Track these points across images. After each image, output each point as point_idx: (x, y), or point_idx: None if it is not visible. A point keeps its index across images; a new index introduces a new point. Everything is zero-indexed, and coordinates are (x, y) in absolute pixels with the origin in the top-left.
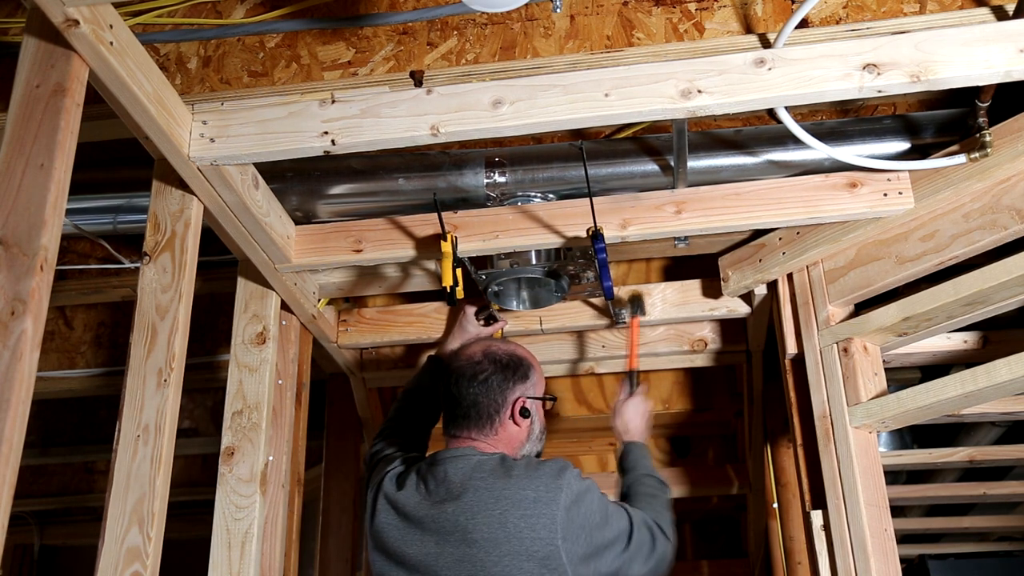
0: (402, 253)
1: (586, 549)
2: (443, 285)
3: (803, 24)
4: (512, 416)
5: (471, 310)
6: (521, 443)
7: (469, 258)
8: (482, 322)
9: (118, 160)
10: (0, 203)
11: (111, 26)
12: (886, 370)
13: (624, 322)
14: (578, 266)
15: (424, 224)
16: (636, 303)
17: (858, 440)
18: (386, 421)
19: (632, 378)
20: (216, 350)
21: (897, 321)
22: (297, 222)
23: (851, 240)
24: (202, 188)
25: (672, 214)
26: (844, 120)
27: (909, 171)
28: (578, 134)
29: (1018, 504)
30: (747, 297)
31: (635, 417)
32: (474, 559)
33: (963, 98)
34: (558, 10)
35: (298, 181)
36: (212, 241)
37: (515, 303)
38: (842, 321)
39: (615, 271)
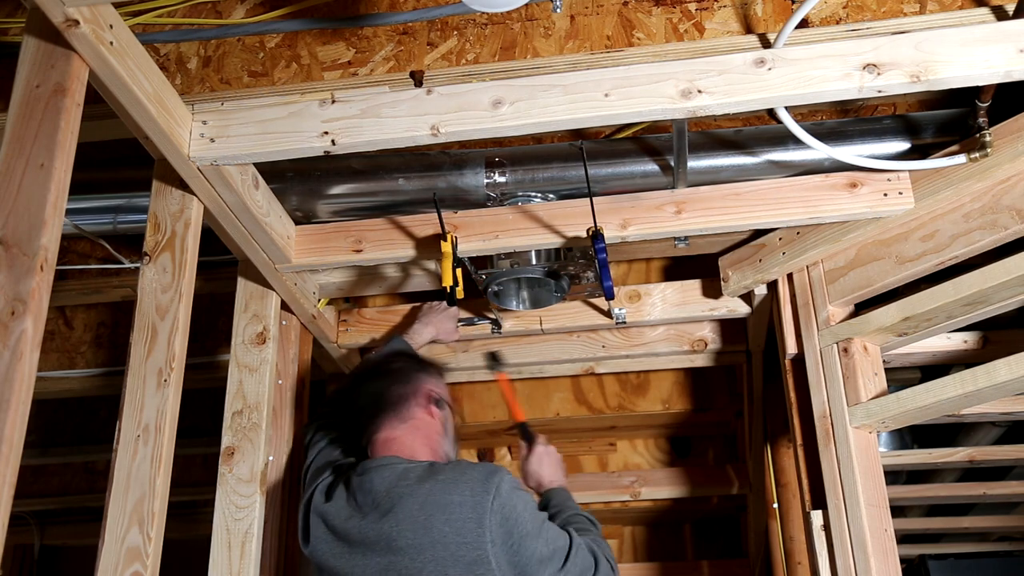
0: (402, 253)
1: (515, 557)
2: (443, 285)
3: (803, 24)
4: (424, 404)
5: (453, 311)
6: (438, 438)
7: (469, 258)
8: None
9: (118, 160)
10: (0, 203)
11: (111, 26)
12: (886, 370)
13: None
14: (578, 266)
15: (424, 224)
16: (494, 359)
17: (858, 440)
18: (326, 404)
19: (525, 431)
20: (216, 350)
21: (897, 321)
22: (297, 222)
23: (851, 240)
24: (202, 188)
25: (672, 214)
26: (844, 120)
27: (909, 171)
28: (578, 134)
29: (1018, 504)
30: (747, 297)
31: (545, 467)
32: (399, 566)
33: (963, 98)
34: (558, 10)
35: (298, 181)
36: (212, 241)
37: (515, 303)
38: (842, 321)
39: (615, 271)
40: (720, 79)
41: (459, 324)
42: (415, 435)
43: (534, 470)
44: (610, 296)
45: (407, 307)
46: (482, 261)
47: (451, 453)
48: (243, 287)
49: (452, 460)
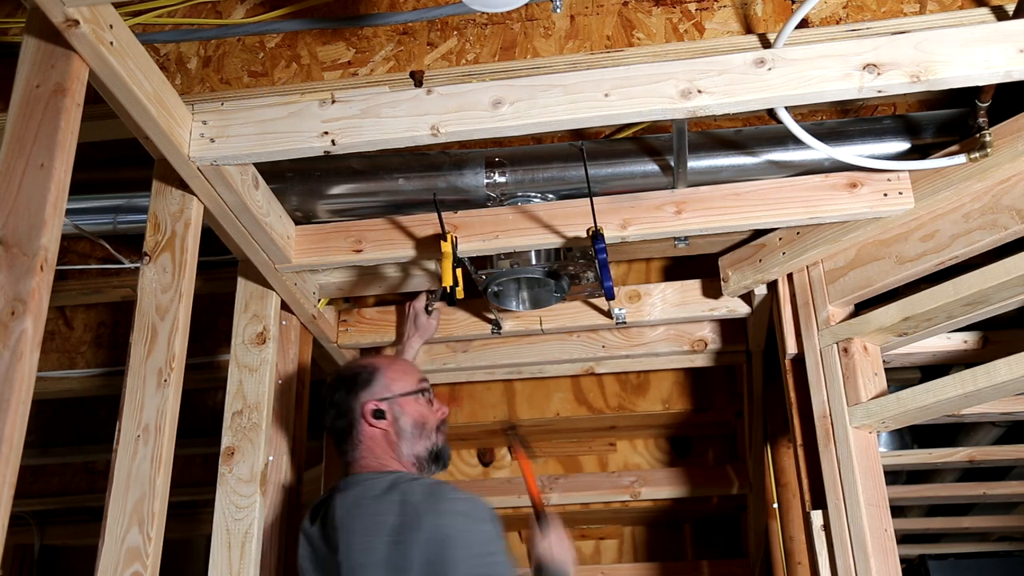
0: (402, 253)
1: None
2: (443, 285)
3: (803, 24)
4: (366, 421)
5: (420, 305)
6: (394, 444)
7: (469, 258)
8: (431, 314)
9: (118, 160)
10: (0, 203)
11: (111, 26)
12: (886, 370)
13: None
14: (578, 266)
15: (424, 224)
16: (512, 433)
17: (858, 440)
18: None
19: (539, 515)
20: (216, 350)
21: (897, 321)
22: (297, 222)
23: (851, 240)
24: (202, 188)
25: (672, 214)
26: (844, 120)
27: (909, 171)
28: (578, 134)
29: (1018, 504)
30: (747, 297)
31: (563, 553)
32: None
33: (963, 98)
34: (558, 10)
35: (298, 181)
36: (212, 241)
37: (515, 303)
38: (842, 321)
39: (615, 271)
40: (720, 79)
41: (428, 310)
42: (371, 452)
43: (556, 555)
44: (610, 296)
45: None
46: (482, 261)
47: (418, 448)
48: (243, 287)
49: (424, 461)
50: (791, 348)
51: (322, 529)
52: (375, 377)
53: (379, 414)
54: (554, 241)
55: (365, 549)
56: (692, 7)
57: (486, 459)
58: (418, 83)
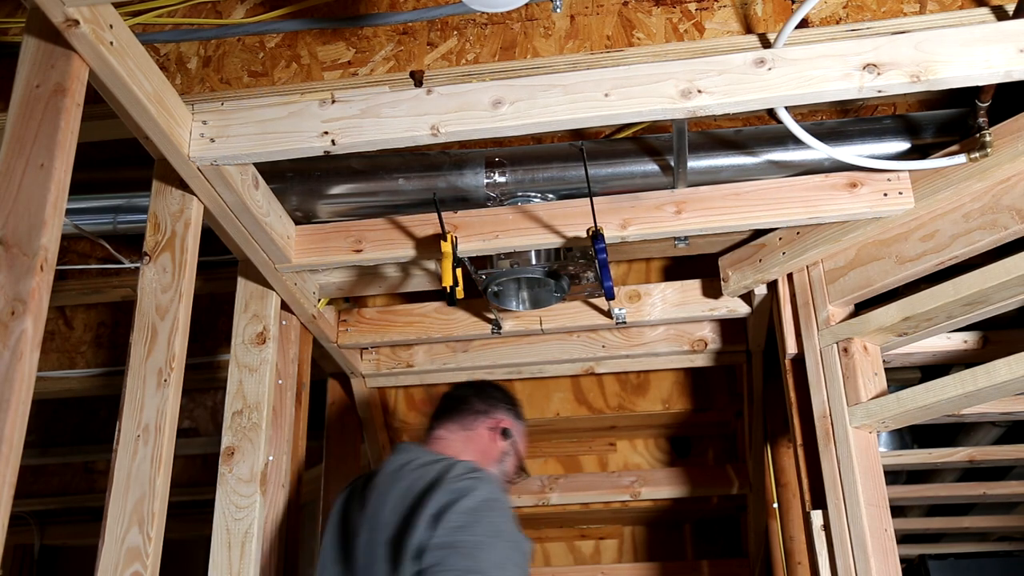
0: (402, 253)
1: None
2: (443, 285)
3: (803, 24)
4: (490, 428)
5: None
6: (493, 458)
7: (469, 258)
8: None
9: (118, 160)
10: (0, 203)
11: (111, 26)
12: (886, 370)
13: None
14: (578, 266)
15: (424, 224)
16: None
17: (858, 440)
18: None
19: None
20: (216, 350)
21: (897, 321)
22: (297, 222)
23: (851, 240)
24: (202, 188)
25: (672, 214)
26: (844, 120)
27: (909, 171)
28: (578, 134)
29: (1018, 504)
30: (747, 297)
31: None
32: (374, 543)
33: (963, 98)
34: (558, 10)
35: (298, 181)
36: (212, 241)
37: (515, 303)
38: (842, 321)
39: (615, 271)
40: (720, 79)
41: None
42: (467, 444)
43: None
44: (610, 296)
45: (407, 307)
46: (482, 261)
47: (506, 476)
48: (243, 287)
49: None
50: (791, 348)
51: (361, 491)
52: (521, 416)
53: (506, 433)
54: (554, 241)
55: (395, 508)
56: (692, 7)
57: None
58: (418, 83)
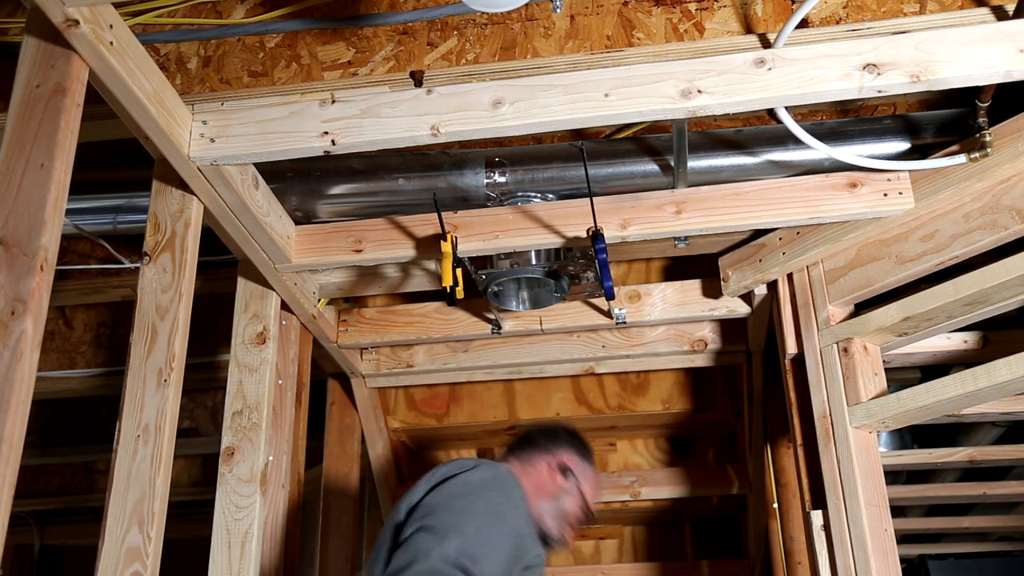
0: (402, 253)
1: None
2: (443, 285)
3: (803, 24)
4: (549, 464)
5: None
6: (547, 494)
7: (469, 258)
8: None
9: (118, 160)
10: (0, 203)
11: (111, 26)
12: (886, 370)
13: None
14: (578, 266)
15: (424, 224)
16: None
17: (858, 440)
18: None
19: None
20: (216, 350)
21: (897, 321)
22: (297, 222)
23: (851, 240)
24: (202, 188)
25: (672, 214)
26: (844, 120)
27: (909, 171)
28: (578, 134)
29: (1018, 504)
30: (747, 297)
31: None
32: (387, 527)
33: (963, 98)
34: (558, 10)
35: (298, 181)
36: (212, 241)
37: (515, 303)
38: (842, 321)
39: (615, 271)
40: (720, 79)
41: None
42: (524, 477)
43: None
44: (610, 296)
45: (407, 307)
46: (482, 261)
47: (547, 518)
48: (243, 287)
49: (545, 521)
50: (791, 348)
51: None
52: (588, 467)
53: (564, 471)
54: (554, 241)
55: (410, 494)
56: (692, 7)
57: (486, 458)
58: (418, 83)
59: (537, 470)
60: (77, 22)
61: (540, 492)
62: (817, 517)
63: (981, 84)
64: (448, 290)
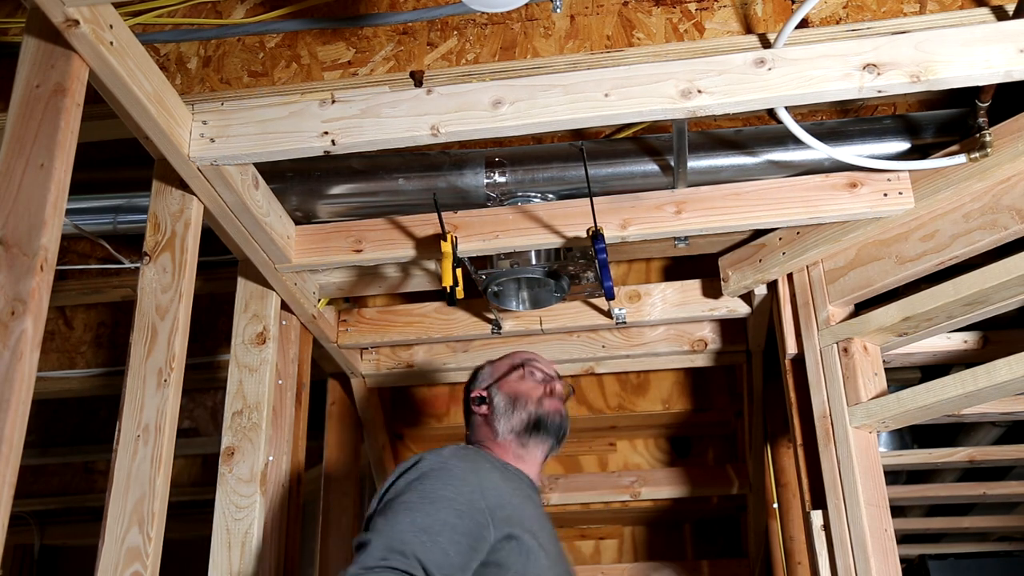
0: (402, 253)
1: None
2: (443, 285)
3: (803, 24)
4: (474, 412)
5: None
6: (492, 426)
7: (469, 258)
8: None
9: (118, 160)
10: (0, 203)
11: (111, 26)
12: (886, 370)
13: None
14: (578, 266)
15: (424, 224)
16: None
17: (858, 440)
18: None
19: None
20: (216, 350)
21: (897, 321)
22: (297, 222)
23: (851, 240)
24: (202, 188)
25: (672, 214)
26: (844, 120)
27: (909, 171)
28: (578, 134)
29: (1018, 504)
30: (747, 297)
31: None
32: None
33: (963, 98)
34: (558, 10)
35: (298, 181)
36: (212, 241)
37: (515, 303)
38: (842, 321)
39: (615, 271)
40: (720, 79)
41: None
42: (476, 435)
43: None
44: (610, 296)
45: (407, 307)
46: (482, 261)
47: (514, 421)
48: (243, 287)
49: (522, 432)
50: (791, 348)
51: None
52: (480, 372)
53: (480, 401)
54: (554, 241)
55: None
56: (692, 7)
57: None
58: (418, 83)
59: (475, 424)
60: (77, 22)
61: (490, 435)
62: (817, 517)
63: (981, 84)
64: (448, 290)
